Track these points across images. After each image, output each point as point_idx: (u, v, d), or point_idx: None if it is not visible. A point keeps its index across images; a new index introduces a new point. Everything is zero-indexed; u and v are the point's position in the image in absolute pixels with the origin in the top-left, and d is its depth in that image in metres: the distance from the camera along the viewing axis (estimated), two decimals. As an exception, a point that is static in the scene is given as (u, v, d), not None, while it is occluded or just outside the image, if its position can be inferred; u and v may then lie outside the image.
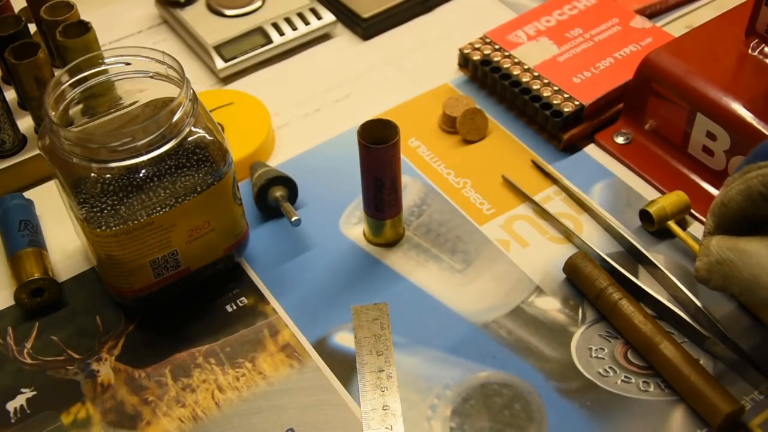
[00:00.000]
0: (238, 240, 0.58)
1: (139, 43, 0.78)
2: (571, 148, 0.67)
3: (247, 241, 0.59)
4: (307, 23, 0.76)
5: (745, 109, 0.59)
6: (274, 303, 0.58)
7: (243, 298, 0.58)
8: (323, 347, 0.55)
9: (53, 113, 0.51)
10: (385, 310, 0.57)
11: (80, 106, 0.55)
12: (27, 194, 0.64)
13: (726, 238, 0.49)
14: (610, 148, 0.66)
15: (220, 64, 0.73)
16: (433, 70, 0.74)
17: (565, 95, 0.66)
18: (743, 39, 0.63)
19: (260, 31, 0.76)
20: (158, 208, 0.52)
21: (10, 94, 0.68)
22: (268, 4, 0.78)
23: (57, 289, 0.58)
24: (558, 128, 0.66)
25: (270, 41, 0.75)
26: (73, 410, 0.53)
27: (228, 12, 0.77)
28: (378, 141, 0.55)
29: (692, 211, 0.61)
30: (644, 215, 0.60)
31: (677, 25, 0.76)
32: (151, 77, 0.55)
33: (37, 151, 0.61)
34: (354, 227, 0.62)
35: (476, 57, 0.71)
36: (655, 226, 0.60)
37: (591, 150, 0.67)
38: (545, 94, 0.67)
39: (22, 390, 0.54)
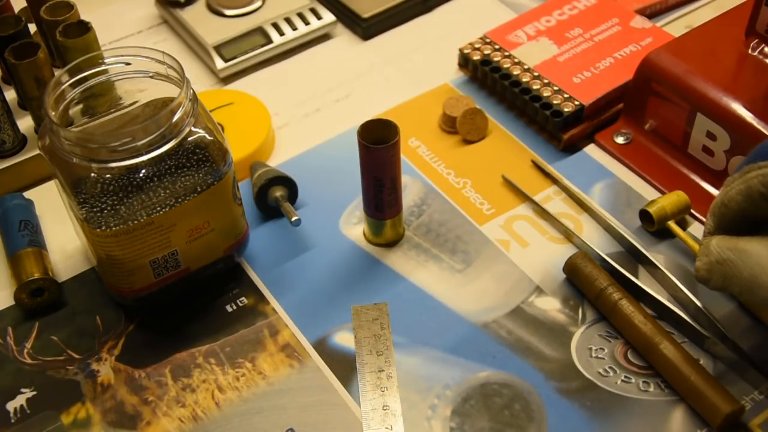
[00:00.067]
0: (238, 240, 0.58)
1: (139, 43, 0.78)
2: (571, 148, 0.67)
3: (247, 241, 0.59)
4: (307, 23, 0.76)
5: (745, 109, 0.59)
6: (274, 303, 0.58)
7: (243, 298, 0.58)
8: (323, 347, 0.55)
9: (53, 113, 0.51)
10: (385, 310, 0.57)
11: (80, 106, 0.55)
12: (27, 194, 0.64)
13: (726, 238, 0.49)
14: (610, 148, 0.66)
15: (220, 64, 0.73)
16: (433, 70, 0.74)
17: (565, 95, 0.66)
18: (743, 39, 0.63)
19: (260, 31, 0.76)
20: (158, 208, 0.52)
21: (10, 94, 0.68)
22: (268, 4, 0.78)
23: (57, 289, 0.58)
24: (558, 128, 0.66)
25: (270, 41, 0.75)
26: (73, 410, 0.53)
27: (228, 12, 0.77)
28: (378, 141, 0.55)
29: (692, 211, 0.61)
30: (644, 215, 0.60)
31: (677, 25, 0.76)
32: (151, 77, 0.55)
33: (37, 151, 0.61)
34: (354, 227, 0.62)
35: (476, 57, 0.71)
36: (655, 226, 0.60)
37: (591, 150, 0.67)
38: (545, 94, 0.67)
39: (22, 390, 0.54)
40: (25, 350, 0.56)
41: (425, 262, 0.60)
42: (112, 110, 0.56)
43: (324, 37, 0.78)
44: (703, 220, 0.60)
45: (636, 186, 0.64)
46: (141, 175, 0.51)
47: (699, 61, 0.62)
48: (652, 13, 0.76)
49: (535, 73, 0.68)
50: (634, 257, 0.59)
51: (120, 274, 0.54)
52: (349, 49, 0.77)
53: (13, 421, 0.53)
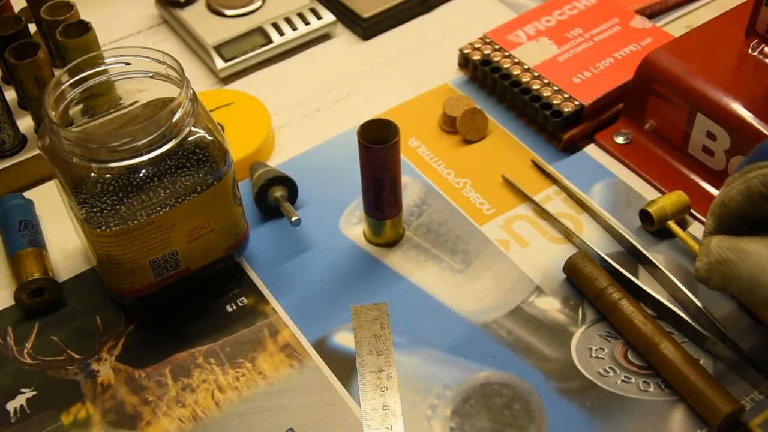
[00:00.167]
0: (238, 240, 0.58)
1: (139, 43, 0.78)
2: (571, 148, 0.67)
3: (247, 241, 0.59)
4: (307, 23, 0.76)
5: (745, 109, 0.59)
6: (274, 303, 0.58)
7: (243, 298, 0.58)
8: (323, 347, 0.55)
9: (53, 113, 0.51)
10: (385, 310, 0.57)
11: (80, 106, 0.55)
12: (27, 194, 0.64)
13: (726, 238, 0.49)
14: (610, 148, 0.66)
15: (220, 64, 0.73)
16: (433, 70, 0.74)
17: (565, 95, 0.66)
18: (743, 39, 0.63)
19: (260, 31, 0.76)
20: (158, 208, 0.52)
21: (10, 94, 0.68)
22: (268, 4, 0.78)
23: (57, 289, 0.58)
24: (558, 128, 0.66)
25: (270, 41, 0.75)
26: (73, 410, 0.53)
27: (228, 12, 0.77)
28: (378, 141, 0.55)
29: (692, 211, 0.61)
30: (644, 215, 0.60)
31: (677, 25, 0.76)
32: (151, 77, 0.55)
33: (37, 151, 0.61)
34: (354, 227, 0.62)
35: (476, 57, 0.71)
36: (655, 226, 0.60)
37: (591, 150, 0.67)
38: (545, 94, 0.67)
39: (22, 390, 0.54)
40: (25, 350, 0.56)
41: (425, 262, 0.60)
42: (112, 110, 0.56)
43: (324, 37, 0.78)
44: (703, 220, 0.60)
45: (636, 186, 0.64)
46: (141, 175, 0.51)
47: (699, 61, 0.62)
48: (652, 13, 0.76)
49: (535, 73, 0.68)
50: (634, 257, 0.59)
51: (120, 274, 0.54)
52: (349, 49, 0.77)
53: (13, 421, 0.53)
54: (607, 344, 0.54)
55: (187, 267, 0.56)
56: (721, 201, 0.50)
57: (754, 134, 0.58)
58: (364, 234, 0.61)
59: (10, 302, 0.59)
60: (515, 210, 0.63)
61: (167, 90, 0.54)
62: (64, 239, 0.62)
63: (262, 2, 0.78)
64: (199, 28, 0.76)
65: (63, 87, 0.53)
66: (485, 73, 0.70)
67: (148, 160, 0.50)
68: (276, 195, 0.62)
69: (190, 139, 0.52)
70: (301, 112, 0.72)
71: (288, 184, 0.62)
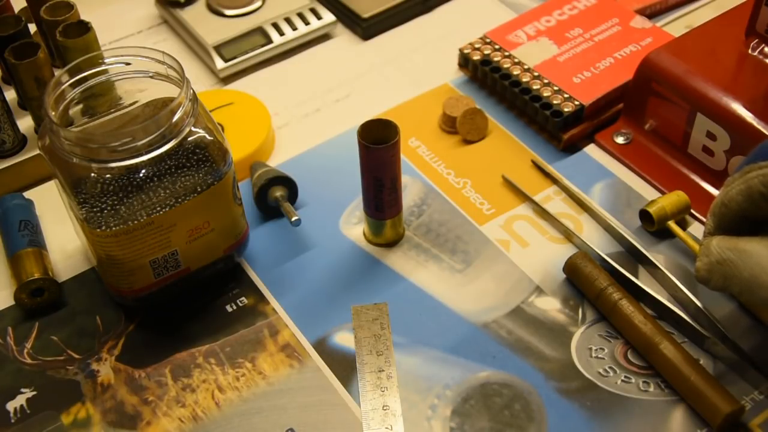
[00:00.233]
0: (238, 240, 0.58)
1: (139, 43, 0.78)
2: (571, 148, 0.67)
3: (247, 241, 0.59)
4: (307, 23, 0.76)
5: (745, 109, 0.59)
6: (274, 303, 0.58)
7: (243, 298, 0.58)
8: (323, 347, 0.55)
9: (53, 113, 0.51)
10: (385, 310, 0.57)
11: (80, 106, 0.55)
12: (27, 194, 0.64)
13: (726, 239, 0.49)
14: (610, 148, 0.66)
15: (220, 64, 0.73)
16: (433, 70, 0.74)
17: (565, 95, 0.66)
18: (743, 39, 0.63)
19: (260, 31, 0.76)
20: (158, 208, 0.52)
21: (10, 94, 0.68)
22: (268, 4, 0.78)
23: (57, 289, 0.58)
24: (558, 128, 0.66)
25: (270, 41, 0.75)
26: (73, 410, 0.53)
27: (228, 12, 0.77)
28: (378, 141, 0.55)
29: (692, 211, 0.61)
30: (644, 215, 0.60)
31: (677, 25, 0.76)
32: (151, 77, 0.55)
33: (37, 151, 0.61)
34: (354, 227, 0.62)
35: (476, 57, 0.71)
36: (655, 226, 0.60)
37: (591, 150, 0.67)
38: (545, 94, 0.67)
39: (22, 390, 0.54)
40: (25, 350, 0.56)
41: (425, 262, 0.60)
42: (112, 110, 0.56)
43: (324, 37, 0.78)
44: (703, 220, 0.60)
45: (636, 186, 0.64)
46: (141, 175, 0.51)
47: (699, 61, 0.62)
48: (652, 13, 0.76)
49: (535, 73, 0.68)
50: (634, 257, 0.59)
51: (120, 274, 0.54)
52: (349, 49, 0.77)
53: (13, 421, 0.53)
54: (607, 344, 0.54)
55: (187, 267, 0.56)
56: (721, 201, 0.50)
57: (754, 134, 0.58)
58: (364, 234, 0.61)
59: (10, 302, 0.59)
60: (515, 210, 0.63)
61: (167, 90, 0.54)
62: (64, 239, 0.62)
63: (262, 2, 0.78)
64: (199, 28, 0.76)
65: (63, 87, 0.53)
66: (485, 73, 0.70)
67: (148, 160, 0.50)
68: (276, 195, 0.62)
69: (190, 139, 0.52)
70: (301, 112, 0.72)
71: (288, 184, 0.62)
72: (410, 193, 0.64)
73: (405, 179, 0.65)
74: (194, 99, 0.53)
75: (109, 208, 0.50)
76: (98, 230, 0.51)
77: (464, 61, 0.72)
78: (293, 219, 0.59)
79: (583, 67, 0.68)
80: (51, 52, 0.67)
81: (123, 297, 0.56)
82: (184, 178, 0.52)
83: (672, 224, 0.59)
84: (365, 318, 0.56)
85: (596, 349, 0.54)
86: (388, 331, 0.56)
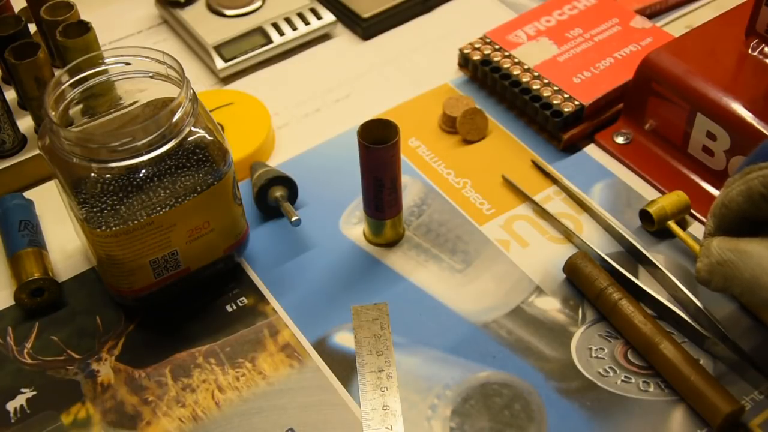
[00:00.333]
0: (238, 240, 0.58)
1: (139, 43, 0.78)
2: (571, 148, 0.67)
3: (247, 241, 0.59)
4: (307, 23, 0.76)
5: (745, 109, 0.59)
6: (274, 303, 0.58)
7: (243, 298, 0.58)
8: (323, 347, 0.55)
9: (53, 113, 0.51)
10: (385, 310, 0.57)
11: (80, 106, 0.55)
12: (27, 194, 0.64)
13: (727, 240, 0.49)
14: (610, 148, 0.66)
15: (220, 64, 0.73)
16: (433, 70, 0.74)
17: (565, 95, 0.66)
18: (743, 39, 0.63)
19: (260, 31, 0.76)
20: (158, 208, 0.52)
21: (10, 94, 0.68)
22: (268, 4, 0.78)
23: (57, 289, 0.58)
24: (558, 128, 0.66)
25: (270, 41, 0.75)
26: (73, 410, 0.53)
27: (228, 12, 0.77)
28: (378, 141, 0.55)
29: (692, 211, 0.61)
30: (644, 215, 0.60)
31: (677, 25, 0.76)
32: (151, 77, 0.55)
33: (37, 151, 0.61)
34: (354, 227, 0.62)
35: (476, 57, 0.71)
36: (655, 226, 0.60)
37: (591, 150, 0.67)
38: (545, 94, 0.67)
39: (22, 390, 0.54)
40: (25, 350, 0.56)
41: (425, 262, 0.60)
42: (112, 110, 0.56)
43: (324, 37, 0.78)
44: (704, 220, 0.60)
45: (636, 186, 0.64)
46: (141, 175, 0.51)
47: (699, 61, 0.62)
48: (652, 13, 0.76)
49: (535, 73, 0.68)
50: (634, 257, 0.59)
51: (120, 274, 0.54)
52: (349, 49, 0.77)
53: (13, 421, 0.53)
54: (607, 344, 0.54)
55: (187, 267, 0.56)
56: (721, 202, 0.50)
57: (754, 134, 0.58)
58: (364, 234, 0.61)
59: (10, 302, 0.59)
60: (515, 210, 0.63)
61: (167, 90, 0.54)
62: (64, 239, 0.62)
63: (262, 2, 0.78)
64: (199, 28, 0.76)
65: (63, 87, 0.53)
66: (485, 73, 0.70)
67: (148, 160, 0.50)
68: (276, 195, 0.62)
69: (190, 139, 0.52)
70: (301, 112, 0.72)
71: (288, 184, 0.62)
72: (410, 193, 0.64)
73: (405, 179, 0.65)
74: (194, 99, 0.53)
75: (109, 208, 0.50)
76: (98, 230, 0.51)
77: (464, 61, 0.72)
78: (293, 219, 0.59)
79: (583, 67, 0.68)
80: (51, 52, 0.67)
81: (123, 297, 0.56)
82: (184, 178, 0.52)
83: (672, 224, 0.59)
84: (365, 318, 0.56)
85: (596, 349, 0.54)
86: (388, 331, 0.56)
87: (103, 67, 0.54)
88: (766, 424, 0.50)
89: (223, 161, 0.53)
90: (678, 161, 0.64)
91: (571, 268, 0.57)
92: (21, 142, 0.66)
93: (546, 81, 0.67)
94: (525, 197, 0.63)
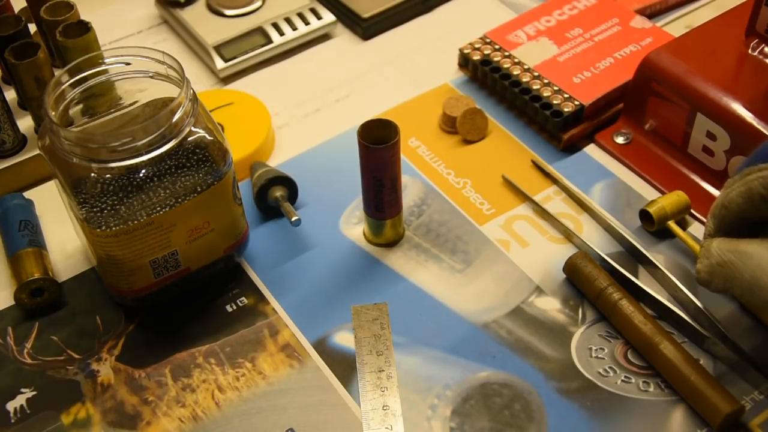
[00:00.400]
0: (238, 240, 0.58)
1: (139, 43, 0.78)
2: (571, 148, 0.67)
3: (247, 241, 0.59)
4: (307, 23, 0.76)
5: (745, 109, 0.59)
6: (274, 303, 0.58)
7: (243, 298, 0.58)
8: (323, 347, 0.55)
9: (53, 113, 0.51)
10: (385, 310, 0.57)
11: (80, 106, 0.55)
12: (27, 194, 0.64)
13: (727, 241, 0.49)
14: (610, 148, 0.66)
15: (220, 64, 0.73)
16: (433, 70, 0.74)
17: (565, 95, 0.66)
18: (743, 39, 0.63)
19: (260, 31, 0.76)
20: (158, 208, 0.52)
21: (10, 94, 0.68)
22: (268, 4, 0.78)
23: (57, 289, 0.58)
24: (558, 128, 0.66)
25: (270, 41, 0.75)
26: (73, 410, 0.53)
27: (228, 12, 0.77)
28: (378, 141, 0.55)
29: (692, 211, 0.61)
30: (644, 215, 0.60)
31: (677, 25, 0.76)
32: (151, 77, 0.55)
33: (37, 151, 0.61)
34: (354, 227, 0.62)
35: (476, 57, 0.71)
36: (655, 226, 0.60)
37: (591, 150, 0.67)
38: (545, 94, 0.67)
39: (22, 390, 0.54)
40: (25, 350, 0.56)
41: (425, 262, 0.60)
42: (112, 110, 0.56)
43: (324, 37, 0.78)
44: (704, 220, 0.60)
45: (636, 186, 0.64)
46: (141, 175, 0.51)
47: (699, 61, 0.62)
48: (652, 13, 0.76)
49: (535, 73, 0.68)
50: (634, 257, 0.59)
51: (120, 274, 0.54)
52: (349, 49, 0.77)
53: (13, 421, 0.53)
54: (607, 344, 0.54)
55: (187, 267, 0.56)
56: (721, 203, 0.50)
57: (754, 134, 0.58)
58: (364, 234, 0.61)
59: (10, 302, 0.59)
60: (515, 210, 0.63)
61: (167, 90, 0.54)
62: (64, 239, 0.62)
63: (262, 2, 0.78)
64: (199, 28, 0.76)
65: (63, 87, 0.53)
66: (485, 73, 0.70)
67: (148, 160, 0.50)
68: (276, 195, 0.62)
69: (190, 139, 0.52)
70: (301, 112, 0.72)
71: (288, 184, 0.62)
72: (410, 193, 0.64)
73: (405, 179, 0.65)
74: (194, 99, 0.53)
75: (109, 208, 0.50)
76: (98, 230, 0.51)
77: (464, 61, 0.72)
78: (293, 219, 0.59)
79: (583, 67, 0.68)
80: (51, 52, 0.67)
81: (123, 297, 0.56)
82: (184, 178, 0.52)
83: (672, 224, 0.59)
84: (365, 318, 0.56)
85: (596, 349, 0.54)
86: (388, 331, 0.56)
87: (103, 67, 0.54)
88: (766, 424, 0.50)
89: (223, 161, 0.53)
90: (678, 161, 0.64)
91: (571, 268, 0.57)
92: (21, 142, 0.66)
93: (546, 81, 0.67)
94: (525, 197, 0.63)
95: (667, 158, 0.65)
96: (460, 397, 0.52)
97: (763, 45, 0.62)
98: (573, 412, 0.51)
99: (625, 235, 0.59)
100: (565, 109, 0.65)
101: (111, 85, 0.55)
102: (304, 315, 0.57)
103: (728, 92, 0.60)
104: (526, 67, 0.69)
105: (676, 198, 0.60)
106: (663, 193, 0.63)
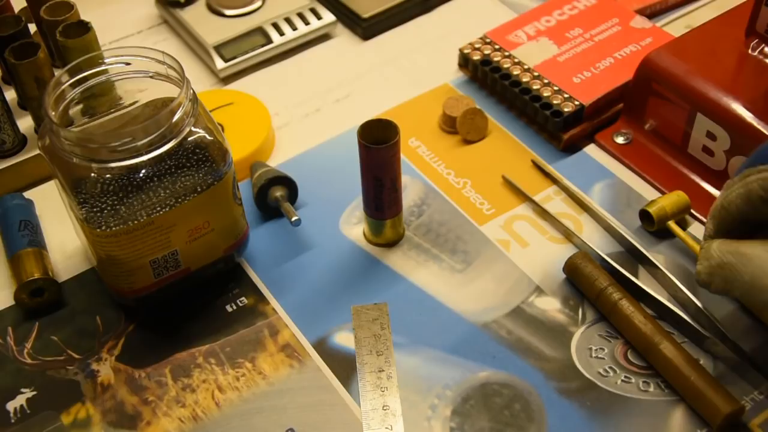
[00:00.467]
0: (238, 240, 0.58)
1: (139, 43, 0.78)
2: (571, 148, 0.67)
3: (247, 241, 0.59)
4: (307, 23, 0.76)
5: (745, 109, 0.59)
6: (274, 303, 0.58)
7: (243, 298, 0.58)
8: (323, 347, 0.55)
9: (53, 113, 0.51)
10: (385, 310, 0.57)
11: (80, 106, 0.55)
12: (27, 194, 0.64)
13: (727, 242, 0.49)
14: (610, 148, 0.66)
15: (220, 64, 0.73)
16: (433, 70, 0.74)
17: (565, 95, 0.66)
18: (743, 39, 0.63)
19: (260, 31, 0.76)
20: (158, 208, 0.52)
21: (10, 94, 0.68)
22: (268, 4, 0.78)
23: (57, 289, 0.58)
24: (558, 128, 0.66)
25: (270, 41, 0.75)
26: (73, 410, 0.53)
27: (228, 12, 0.77)
28: (378, 141, 0.55)
29: (692, 211, 0.61)
30: (644, 215, 0.60)
31: (677, 25, 0.76)
32: (151, 77, 0.55)
33: (37, 151, 0.61)
34: (354, 227, 0.62)
35: (476, 57, 0.71)
36: (655, 226, 0.60)
37: (591, 150, 0.67)
38: (545, 94, 0.67)
39: (22, 390, 0.54)
40: (25, 350, 0.56)
41: (425, 262, 0.60)
42: (112, 110, 0.56)
43: (324, 37, 0.78)
44: (704, 220, 0.60)
45: (636, 186, 0.64)
46: (141, 175, 0.51)
47: (699, 61, 0.62)
48: (652, 13, 0.76)
49: (535, 73, 0.68)
50: (634, 257, 0.59)
51: (120, 274, 0.54)
52: (349, 49, 0.77)
53: (13, 421, 0.53)
54: (607, 344, 0.54)
55: (187, 267, 0.56)
56: (720, 204, 0.50)
57: (754, 134, 0.58)
58: (364, 234, 0.61)
59: (10, 302, 0.59)
60: (515, 210, 0.63)
61: (167, 90, 0.54)
62: (64, 239, 0.62)
63: (262, 2, 0.78)
64: (199, 28, 0.76)
65: (63, 87, 0.53)
66: (485, 73, 0.70)
67: (148, 160, 0.50)
68: (276, 195, 0.62)
69: (190, 139, 0.52)
70: (301, 112, 0.72)
71: (288, 184, 0.62)
72: (410, 193, 0.64)
73: (405, 179, 0.65)
74: (194, 99, 0.53)
75: (109, 208, 0.50)
76: (98, 230, 0.51)
77: (464, 61, 0.72)
78: (293, 219, 0.59)
79: (583, 67, 0.68)
80: (51, 52, 0.67)
81: (123, 297, 0.56)
82: (184, 178, 0.52)
83: (672, 224, 0.59)
84: (365, 318, 0.56)
85: (596, 349, 0.54)
86: (388, 331, 0.56)
87: (103, 67, 0.54)
88: (766, 424, 0.50)
89: (223, 161, 0.53)
90: (678, 161, 0.64)
91: (571, 268, 0.57)
92: (21, 142, 0.66)
93: (546, 81, 0.67)
94: (525, 197, 0.63)
95: (667, 158, 0.65)
96: (460, 397, 0.52)
97: (763, 45, 0.62)
98: (573, 412, 0.51)
99: (625, 235, 0.59)
100: (565, 109, 0.65)
101: (111, 85, 0.55)
102: (304, 315, 0.57)
103: (728, 92, 0.60)
104: (526, 67, 0.69)
105: (676, 198, 0.60)
106: (663, 193, 0.63)
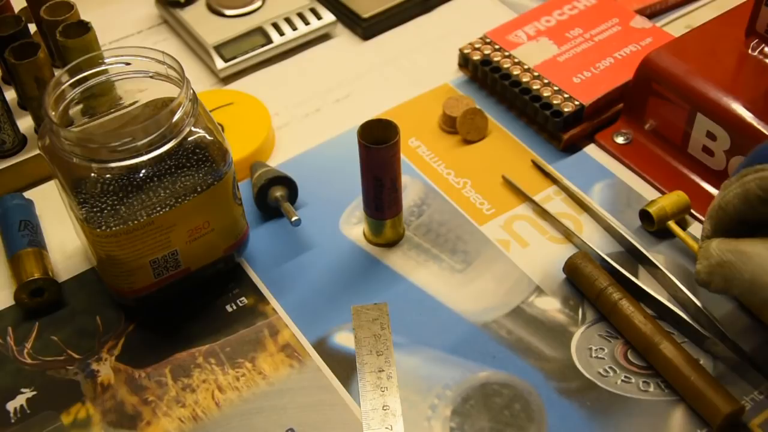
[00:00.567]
0: (238, 240, 0.58)
1: (139, 43, 0.78)
2: (571, 148, 0.67)
3: (247, 241, 0.59)
4: (307, 23, 0.76)
5: (745, 109, 0.59)
6: (274, 303, 0.58)
7: (243, 298, 0.58)
8: (323, 347, 0.55)
9: (53, 113, 0.51)
10: (385, 310, 0.57)
11: (80, 106, 0.55)
12: (27, 194, 0.64)
13: (726, 241, 0.49)
14: (610, 148, 0.66)
15: (220, 64, 0.73)
16: (433, 70, 0.74)
17: (565, 95, 0.66)
18: (743, 39, 0.63)
19: (260, 31, 0.76)
20: (158, 208, 0.52)
21: (10, 94, 0.68)
22: (268, 4, 0.78)
23: (57, 289, 0.58)
24: (558, 128, 0.66)
25: (270, 41, 0.75)
26: (73, 410, 0.53)
27: (228, 12, 0.77)
28: (378, 141, 0.55)
29: (692, 211, 0.61)
30: (644, 215, 0.60)
31: (677, 25, 0.76)
32: (151, 77, 0.55)
33: (37, 151, 0.61)
34: (354, 227, 0.62)
35: (476, 57, 0.71)
36: (655, 226, 0.60)
37: (591, 150, 0.67)
38: (545, 94, 0.67)
39: (22, 390, 0.54)
40: (25, 350, 0.56)
41: (425, 262, 0.60)
42: (112, 110, 0.56)
43: (324, 37, 0.78)
44: (704, 220, 0.60)
45: (636, 186, 0.64)
46: (141, 175, 0.51)
47: (699, 61, 0.62)
48: (652, 13, 0.76)
49: (535, 73, 0.68)
50: (634, 257, 0.59)
51: (120, 274, 0.54)
52: (349, 49, 0.77)
53: (13, 421, 0.53)
54: (607, 344, 0.54)
55: (187, 267, 0.56)
56: (718, 204, 0.50)
57: (754, 134, 0.58)
58: (364, 234, 0.61)
59: (10, 302, 0.59)
60: (515, 210, 0.63)
61: (167, 90, 0.54)
62: (64, 239, 0.62)
63: (262, 2, 0.78)
64: (199, 28, 0.76)
65: (63, 87, 0.53)
66: (485, 73, 0.70)
67: (148, 160, 0.50)
68: (276, 195, 0.62)
69: (190, 139, 0.52)
70: (301, 112, 0.72)
71: (288, 184, 0.62)
72: (410, 193, 0.64)
73: (405, 179, 0.65)
74: (194, 99, 0.53)
75: (109, 208, 0.50)
76: (98, 230, 0.51)
77: (464, 61, 0.72)
78: (293, 219, 0.59)
79: (583, 67, 0.68)
80: (51, 52, 0.67)
81: (123, 297, 0.56)
82: (184, 178, 0.52)
83: (672, 224, 0.59)
84: (365, 318, 0.56)
85: (596, 349, 0.54)
86: (388, 331, 0.56)
87: (103, 67, 0.54)
88: (766, 424, 0.50)
89: (223, 161, 0.53)
90: (678, 161, 0.64)
91: (571, 268, 0.57)
92: (21, 142, 0.66)
93: (546, 81, 0.67)
94: (525, 197, 0.63)
95: (667, 158, 0.65)
96: (460, 397, 0.52)
97: (763, 45, 0.62)
98: (573, 412, 0.51)
99: (625, 235, 0.59)
100: (565, 109, 0.65)
101: (111, 85, 0.55)
102: (304, 315, 0.57)
103: (728, 92, 0.60)
104: (526, 67, 0.69)
105: (676, 198, 0.60)
106: (663, 193, 0.63)
